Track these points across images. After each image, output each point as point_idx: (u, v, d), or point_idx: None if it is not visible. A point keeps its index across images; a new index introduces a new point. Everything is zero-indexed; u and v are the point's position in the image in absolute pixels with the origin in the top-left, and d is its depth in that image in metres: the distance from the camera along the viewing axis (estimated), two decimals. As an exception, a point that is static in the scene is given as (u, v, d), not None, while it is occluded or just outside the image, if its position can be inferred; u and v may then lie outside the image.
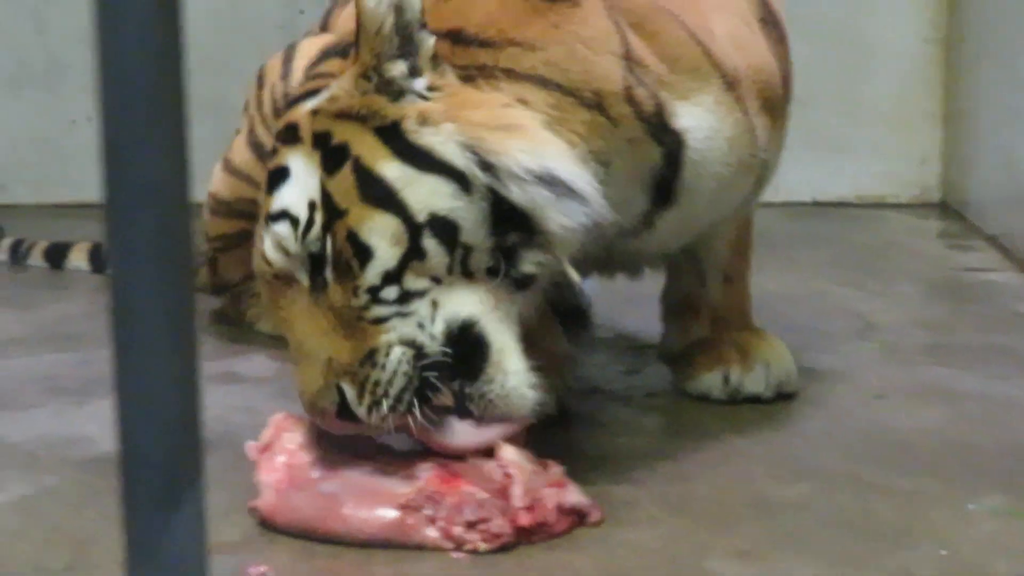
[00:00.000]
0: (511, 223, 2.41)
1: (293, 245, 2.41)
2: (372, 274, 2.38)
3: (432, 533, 2.29)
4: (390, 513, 2.31)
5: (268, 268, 2.46)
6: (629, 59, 2.65)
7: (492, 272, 2.44)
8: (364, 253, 2.37)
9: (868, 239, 5.30)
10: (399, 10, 2.41)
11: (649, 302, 3.42)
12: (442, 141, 2.39)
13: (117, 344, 0.94)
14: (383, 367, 2.35)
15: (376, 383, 2.35)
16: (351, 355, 2.37)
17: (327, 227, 2.39)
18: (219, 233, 3.89)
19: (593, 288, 3.94)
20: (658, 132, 2.67)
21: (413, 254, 2.38)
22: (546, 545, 2.32)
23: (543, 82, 2.53)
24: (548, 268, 2.50)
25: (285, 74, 3.72)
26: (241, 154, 3.82)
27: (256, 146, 3.76)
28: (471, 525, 2.29)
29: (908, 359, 3.55)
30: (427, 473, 2.35)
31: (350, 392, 2.35)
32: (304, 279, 2.42)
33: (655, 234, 2.82)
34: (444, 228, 2.38)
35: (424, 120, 2.41)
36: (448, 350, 2.40)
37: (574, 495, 2.40)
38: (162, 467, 0.95)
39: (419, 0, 2.43)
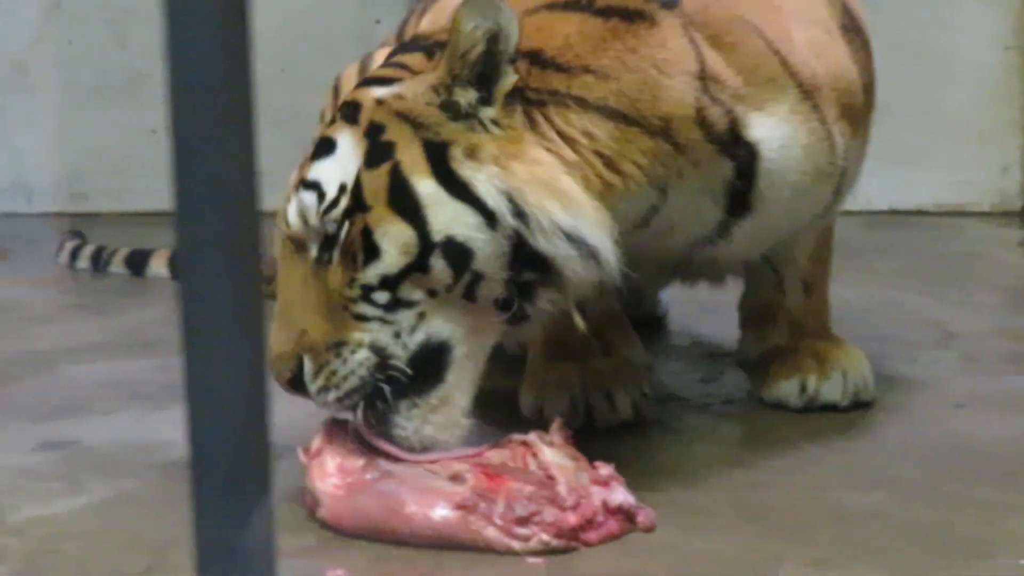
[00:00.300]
0: (531, 263, 2.44)
1: (313, 218, 2.47)
2: (372, 274, 2.42)
3: (492, 532, 2.29)
4: (451, 512, 2.32)
5: (285, 229, 2.52)
6: (704, 77, 2.64)
7: (505, 305, 2.48)
8: (372, 252, 2.42)
9: (947, 248, 5.27)
10: (494, 39, 2.43)
11: (726, 309, 3.41)
12: (482, 180, 2.41)
13: (187, 347, 0.95)
14: (344, 361, 2.44)
15: (333, 372, 2.44)
16: (323, 336, 2.45)
17: (348, 214, 2.44)
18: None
19: (669, 295, 3.94)
20: (729, 148, 2.67)
21: (417, 268, 2.42)
22: (618, 551, 2.32)
23: (611, 113, 2.54)
24: (557, 307, 2.54)
25: (361, 83, 3.74)
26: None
27: (334, 154, 3.77)
28: (524, 520, 2.29)
29: (988, 368, 3.52)
30: (471, 474, 2.36)
31: (308, 368, 2.46)
32: (313, 250, 2.48)
33: (732, 243, 2.81)
34: (457, 252, 2.41)
35: (472, 154, 2.43)
36: (408, 371, 2.45)
37: (620, 494, 2.40)
38: (231, 468, 0.96)
39: (516, 34, 2.44)
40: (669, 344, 3.86)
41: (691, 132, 2.62)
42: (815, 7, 2.95)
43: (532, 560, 2.28)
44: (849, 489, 2.62)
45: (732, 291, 3.34)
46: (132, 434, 3.06)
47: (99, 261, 5.16)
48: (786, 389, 3.14)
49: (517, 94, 2.48)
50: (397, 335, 2.45)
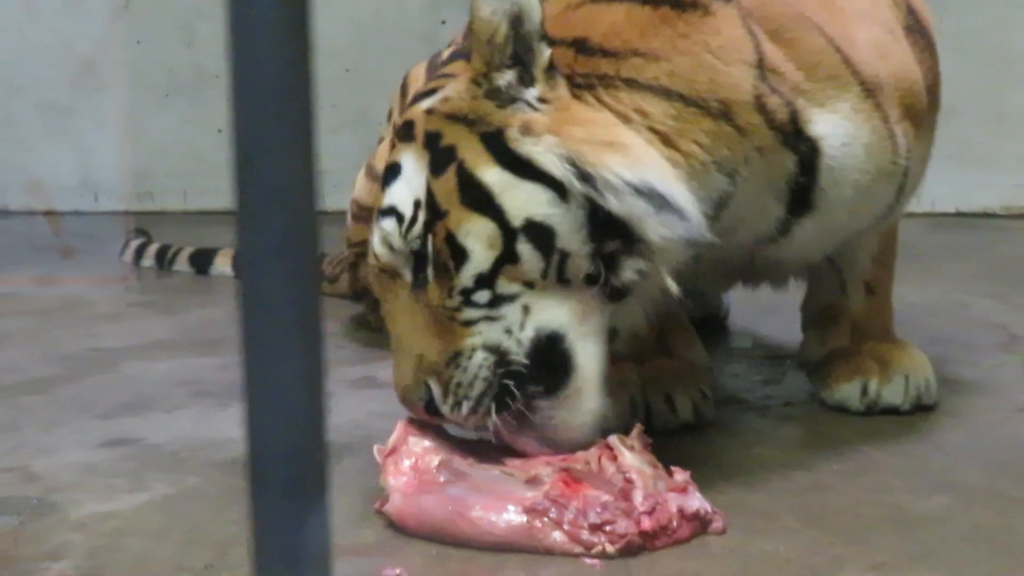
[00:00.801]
0: (610, 231, 2.43)
1: (397, 241, 2.48)
2: (466, 276, 2.43)
3: (559, 537, 2.30)
4: (518, 517, 2.32)
5: (376, 261, 2.53)
6: (762, 68, 2.64)
7: (592, 279, 2.47)
8: (460, 255, 2.43)
9: (1014, 251, 5.22)
10: (517, 20, 2.44)
11: (788, 311, 3.39)
12: (541, 151, 2.41)
13: (246, 348, 0.95)
14: (465, 370, 2.44)
15: (458, 385, 2.44)
16: (439, 355, 2.45)
17: (428, 226, 2.45)
18: (361, 238, 3.94)
19: (731, 297, 3.92)
20: (792, 140, 2.66)
21: (507, 258, 2.42)
22: (679, 554, 2.32)
23: (665, 92, 2.54)
24: (647, 278, 2.52)
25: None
26: (384, 160, 3.85)
27: (400, 152, 3.79)
28: (596, 528, 2.30)
29: (1052, 372, 3.49)
30: (550, 478, 2.36)
31: (436, 390, 2.46)
32: (407, 275, 2.50)
33: (793, 242, 2.80)
34: (539, 233, 2.41)
35: (527, 130, 2.44)
36: (527, 363, 2.45)
37: (696, 501, 2.40)
38: (289, 464, 0.97)
39: (539, 11, 2.45)
40: (731, 346, 3.85)
41: (751, 116, 2.61)
42: (879, 8, 2.95)
43: (588, 561, 2.27)
44: (910, 493, 2.60)
45: (794, 293, 3.33)
46: (195, 431, 3.09)
47: (164, 259, 5.21)
48: (847, 392, 3.13)
49: (555, 70, 2.49)
50: (508, 331, 2.45)
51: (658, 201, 2.42)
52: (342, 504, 2.55)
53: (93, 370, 3.71)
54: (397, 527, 2.42)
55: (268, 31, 0.91)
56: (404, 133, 2.56)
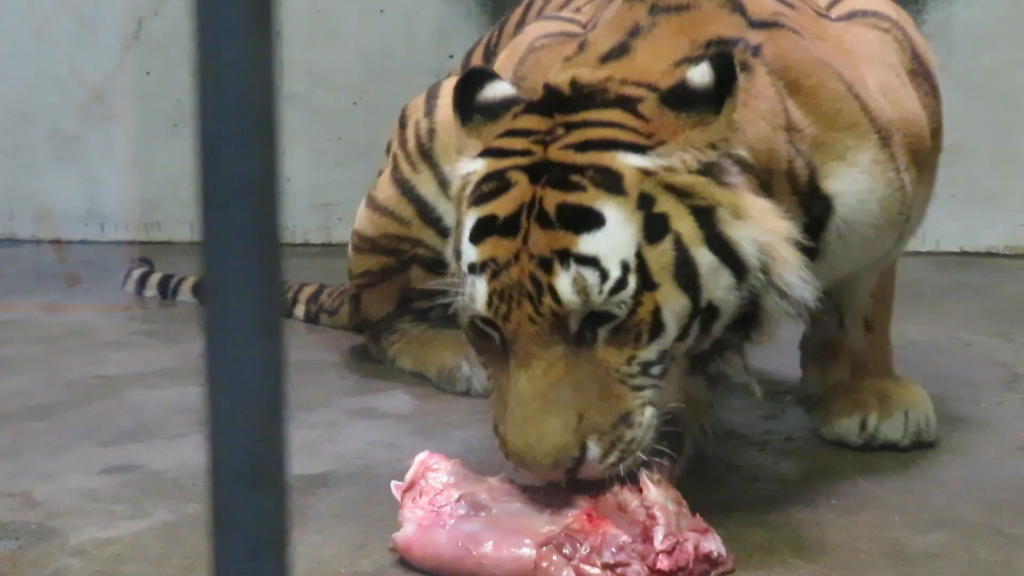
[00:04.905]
0: (737, 323, 2.49)
1: (596, 296, 2.35)
2: (654, 350, 2.40)
3: (568, 574, 2.27)
4: (527, 554, 2.30)
5: (554, 305, 2.36)
6: (789, 129, 2.64)
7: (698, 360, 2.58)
8: (658, 329, 2.39)
9: (1018, 290, 5.22)
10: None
11: (788, 346, 3.40)
12: (744, 237, 2.40)
13: (208, 338, 0.96)
14: (639, 425, 2.41)
15: (629, 441, 2.40)
16: (608, 416, 2.38)
17: (637, 295, 2.37)
18: (363, 269, 3.93)
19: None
20: (807, 200, 2.67)
21: (683, 335, 2.42)
22: (678, 586, 2.32)
23: (747, 167, 2.52)
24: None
25: (429, 111, 3.77)
26: (385, 191, 3.86)
27: (400, 182, 3.80)
28: (608, 567, 2.27)
29: (1053, 411, 3.48)
30: (575, 511, 2.34)
31: (595, 451, 2.38)
32: (573, 327, 2.38)
33: None
34: (710, 314, 2.43)
35: (736, 213, 2.41)
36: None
37: (713, 543, 2.36)
38: (249, 451, 0.97)
39: None
40: (731, 381, 3.84)
41: (782, 184, 2.62)
42: (886, 51, 2.94)
43: (587, 593, 2.27)
44: (909, 529, 2.61)
45: (795, 328, 3.33)
46: (196, 458, 3.08)
47: (167, 289, 5.21)
48: (846, 426, 3.12)
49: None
50: (664, 396, 2.46)
51: (797, 306, 2.47)
52: (340, 532, 2.56)
53: (96, 397, 3.72)
54: (403, 557, 2.42)
55: (233, 30, 0.93)
56: (605, 181, 2.40)
